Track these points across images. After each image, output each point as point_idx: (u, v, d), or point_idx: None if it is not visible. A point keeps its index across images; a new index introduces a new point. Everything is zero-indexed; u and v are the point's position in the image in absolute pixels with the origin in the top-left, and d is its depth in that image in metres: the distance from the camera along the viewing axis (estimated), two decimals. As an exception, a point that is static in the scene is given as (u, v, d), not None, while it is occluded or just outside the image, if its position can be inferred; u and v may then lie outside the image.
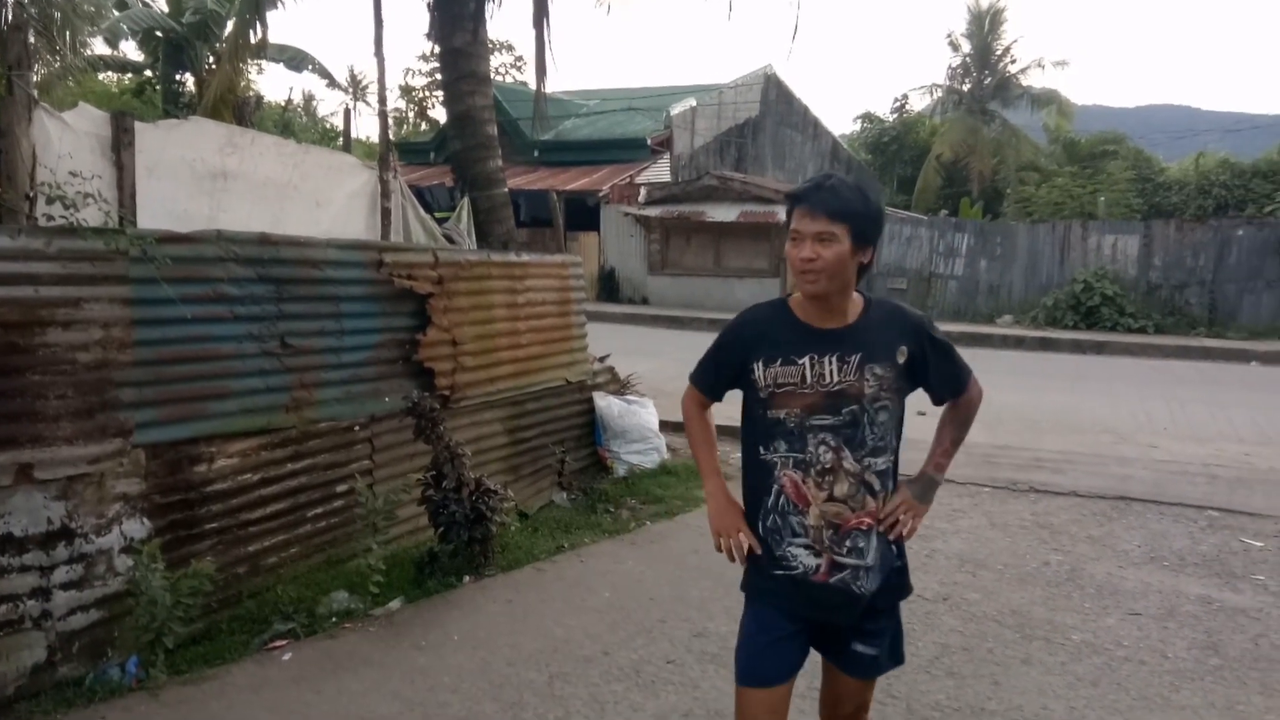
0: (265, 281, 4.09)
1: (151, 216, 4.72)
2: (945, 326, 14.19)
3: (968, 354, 2.41)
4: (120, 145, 4.60)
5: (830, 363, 2.15)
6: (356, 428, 4.58)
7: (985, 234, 18.49)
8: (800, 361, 2.15)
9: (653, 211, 19.77)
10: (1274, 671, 3.68)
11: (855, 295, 2.22)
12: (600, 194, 20.39)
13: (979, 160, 29.34)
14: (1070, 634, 4.00)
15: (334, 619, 3.99)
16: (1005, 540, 5.23)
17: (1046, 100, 30.87)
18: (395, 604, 4.16)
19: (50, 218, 3.44)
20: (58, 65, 13.65)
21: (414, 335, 4.87)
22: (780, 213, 18.40)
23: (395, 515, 4.48)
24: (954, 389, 2.32)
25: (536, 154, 22.17)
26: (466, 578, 4.46)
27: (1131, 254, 16.85)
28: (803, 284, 2.15)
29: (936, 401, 2.35)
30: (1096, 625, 4.09)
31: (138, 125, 4.85)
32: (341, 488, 4.48)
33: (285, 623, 3.91)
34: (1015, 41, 35.97)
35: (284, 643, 3.78)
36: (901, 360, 2.18)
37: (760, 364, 2.19)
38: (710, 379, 2.35)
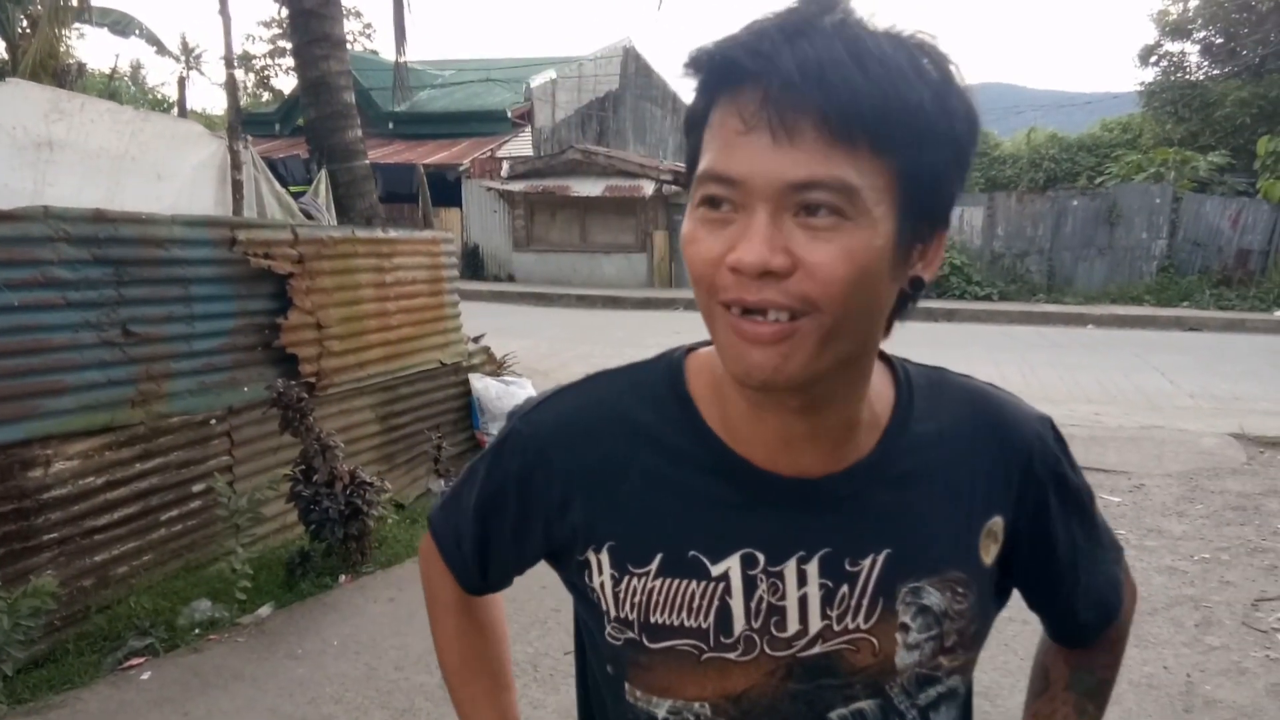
0: (102, 263, 3.68)
1: (-38, 191, 4.17)
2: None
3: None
4: (-80, 109, 4.03)
5: (799, 578, 0.80)
6: (213, 421, 4.21)
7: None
8: (717, 570, 0.80)
9: (516, 186, 19.38)
10: (1141, 623, 3.88)
11: (878, 369, 0.83)
12: (461, 168, 19.83)
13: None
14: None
15: (197, 630, 3.66)
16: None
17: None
18: (265, 610, 3.85)
19: None
20: None
21: (274, 319, 4.52)
22: (646, 187, 18.43)
23: (261, 514, 4.16)
24: (1102, 609, 0.94)
25: (391, 126, 21.34)
26: (343, 577, 4.19)
27: (977, 225, 17.71)
28: (738, 355, 0.71)
29: (1058, 635, 0.98)
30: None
31: (-59, 87, 4.26)
32: (199, 487, 4.12)
33: (141, 638, 3.55)
34: (873, 14, 37.01)
35: (141, 660, 3.44)
36: (990, 556, 0.85)
37: (604, 556, 0.84)
38: (467, 558, 0.97)
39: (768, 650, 0.80)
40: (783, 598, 0.79)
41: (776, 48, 0.65)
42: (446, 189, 19.78)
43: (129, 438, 3.82)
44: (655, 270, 19.10)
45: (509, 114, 21.33)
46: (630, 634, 0.83)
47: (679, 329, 13.17)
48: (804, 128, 0.64)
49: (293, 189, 7.65)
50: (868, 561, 0.79)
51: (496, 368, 6.70)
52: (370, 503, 4.24)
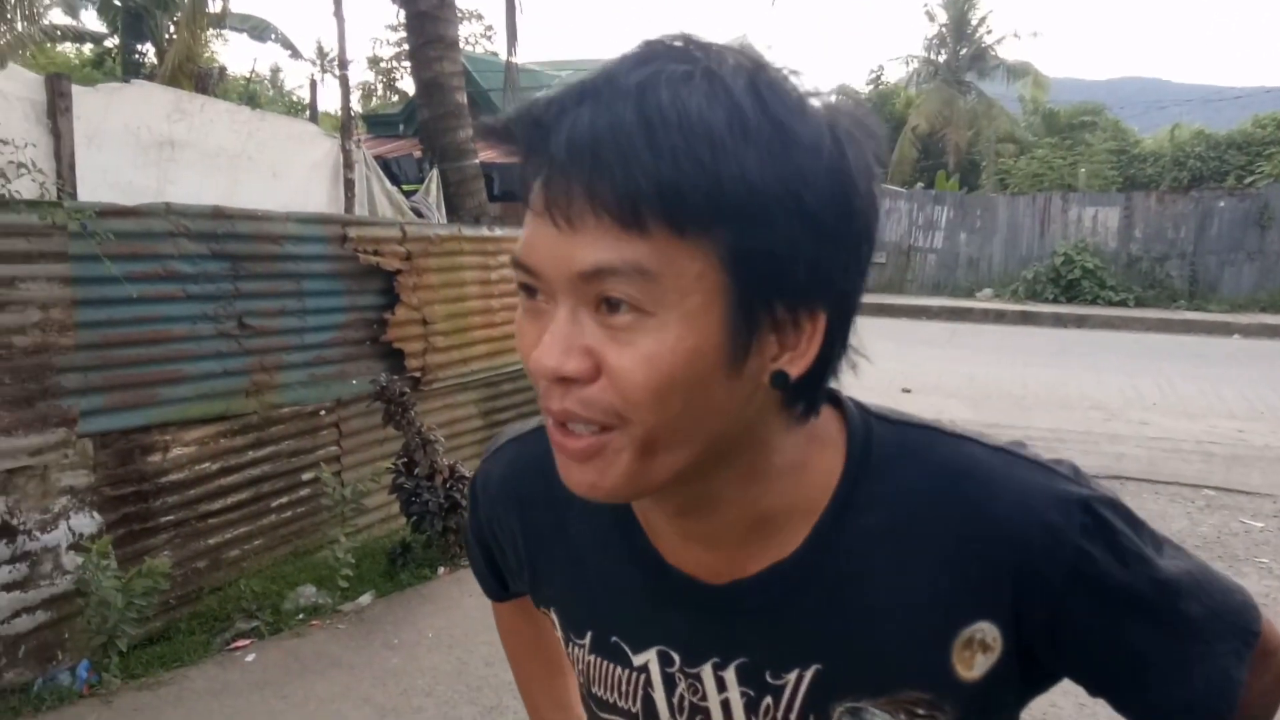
0: (220, 258, 3.83)
1: (92, 188, 4.42)
2: (924, 301, 13.90)
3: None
4: (56, 111, 4.28)
5: (717, 683, 0.73)
6: (322, 412, 4.34)
7: (965, 206, 18.37)
8: (638, 660, 0.76)
9: (629, 185, 19.51)
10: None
11: (817, 431, 0.69)
12: (575, 168, 20.07)
13: (955, 132, 29.18)
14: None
15: (301, 615, 3.77)
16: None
17: (1021, 72, 30.72)
18: (366, 598, 3.94)
19: (-20, 190, 3.17)
20: (8, 36, 13.13)
21: (381, 314, 4.62)
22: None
23: (364, 505, 4.26)
24: (1198, 713, 0.69)
25: (510, 127, 21.77)
26: (441, 569, 4.25)
27: (1112, 226, 16.79)
28: (561, 466, 0.63)
29: None
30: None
31: (76, 90, 4.52)
32: (307, 476, 4.24)
33: (248, 621, 3.68)
34: (990, 12, 35.93)
35: (247, 642, 3.56)
36: (976, 669, 0.67)
37: (556, 617, 0.83)
38: (488, 577, 0.97)
39: None
40: (704, 699, 0.73)
41: (559, 117, 0.56)
42: (561, 188, 20.04)
43: (242, 426, 3.96)
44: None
45: (623, 113, 21.46)
46: (586, 698, 0.82)
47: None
48: (583, 213, 0.54)
49: (406, 188, 7.85)
50: (792, 676, 0.69)
51: (600, 366, 6.71)
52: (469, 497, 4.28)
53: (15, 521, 3.21)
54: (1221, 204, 16.18)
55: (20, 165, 3.19)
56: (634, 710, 0.76)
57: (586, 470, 0.61)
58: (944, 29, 32.07)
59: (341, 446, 4.45)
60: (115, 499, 3.51)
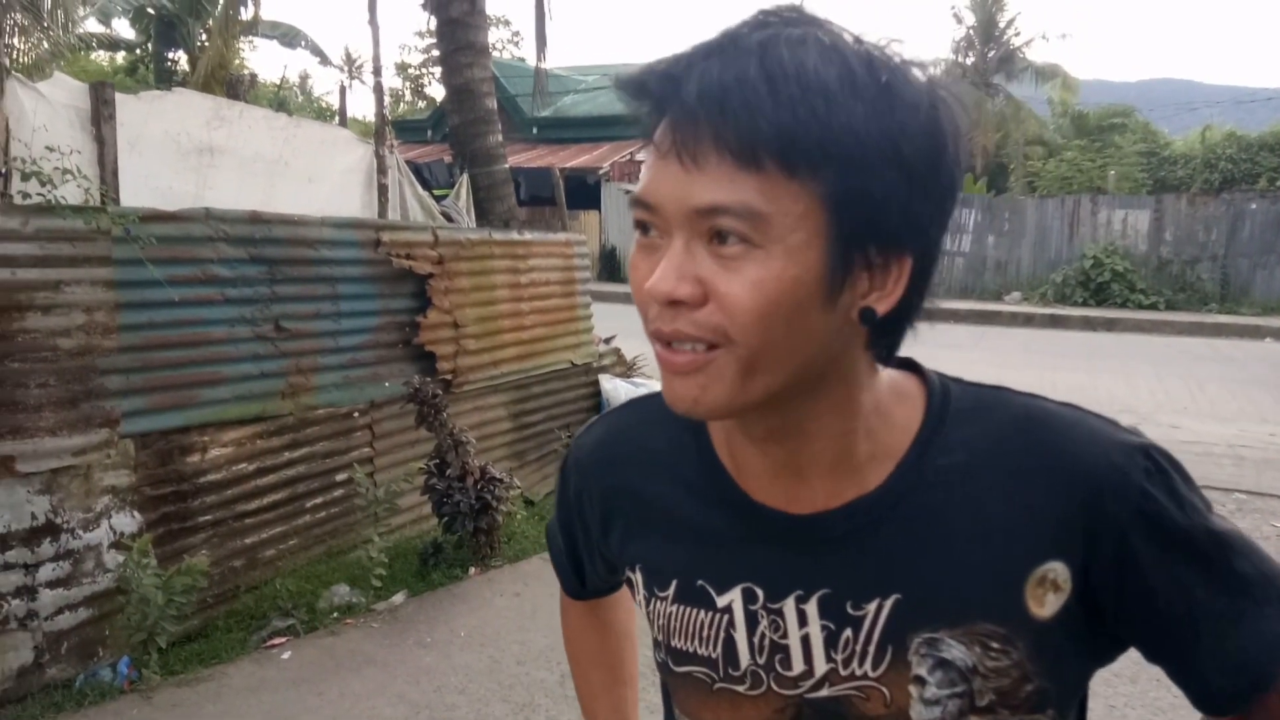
0: (257, 262, 3.89)
1: (134, 194, 4.51)
2: (952, 304, 13.88)
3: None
4: (100, 118, 4.37)
5: (799, 617, 0.75)
6: (356, 414, 4.40)
7: (993, 209, 18.25)
8: (722, 601, 0.78)
9: (654, 189, 19.52)
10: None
11: (891, 381, 0.76)
12: (601, 171, 20.12)
13: (983, 135, 28.98)
14: (1105, 625, 3.83)
15: (335, 614, 3.82)
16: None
17: (1050, 74, 30.47)
18: (399, 598, 3.99)
19: (26, 195, 3.24)
20: (46, 46, 13.38)
21: (414, 317, 4.68)
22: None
23: (397, 505, 4.31)
24: (1245, 674, 0.72)
25: (535, 131, 21.87)
26: (472, 569, 4.29)
27: (1142, 229, 16.61)
28: (665, 384, 0.69)
29: (1195, 701, 0.76)
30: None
31: (119, 97, 4.62)
32: (341, 477, 4.30)
33: (284, 619, 3.74)
34: (1019, 15, 35.65)
35: (283, 640, 3.61)
36: (1048, 607, 0.71)
37: (639, 575, 0.85)
38: (568, 569, 1.01)
39: (775, 687, 0.77)
40: (785, 636, 0.76)
41: (687, 70, 0.63)
42: (586, 192, 20.14)
43: (279, 427, 4.03)
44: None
45: (650, 118, 21.49)
46: (661, 654, 0.84)
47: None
48: (707, 153, 0.61)
49: (436, 192, 7.93)
50: (872, 606, 0.73)
51: (626, 369, 6.73)
52: (500, 498, 4.32)
53: (59, 520, 3.28)
54: (1253, 206, 15.97)
55: (66, 171, 3.27)
56: (714, 655, 0.79)
57: (690, 384, 0.66)
58: (971, 31, 31.85)
59: (374, 448, 4.51)
60: (155, 499, 3.58)
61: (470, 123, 7.16)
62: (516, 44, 35.59)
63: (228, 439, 3.81)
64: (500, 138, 7.39)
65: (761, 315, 0.62)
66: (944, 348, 10.31)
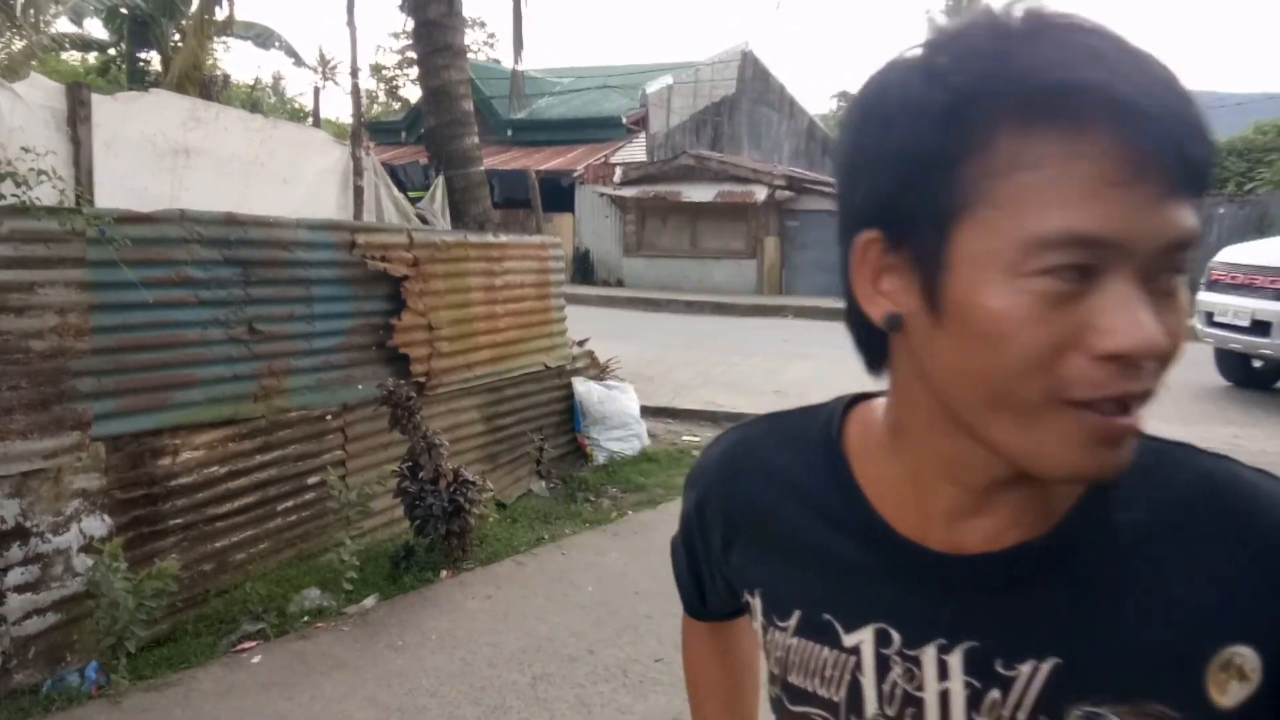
0: (231, 264, 3.89)
1: (109, 195, 4.47)
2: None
3: None
4: (76, 119, 4.34)
5: (939, 669, 0.68)
6: (328, 417, 4.40)
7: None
8: (849, 640, 0.72)
9: (628, 192, 19.56)
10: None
11: None
12: (575, 174, 20.14)
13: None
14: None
15: (306, 618, 3.82)
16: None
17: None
18: (370, 601, 4.00)
19: (1, 196, 3.22)
20: (20, 45, 13.18)
21: (388, 320, 4.69)
22: (758, 193, 18.30)
23: (369, 508, 4.32)
24: None
25: (510, 133, 21.86)
26: (444, 572, 4.31)
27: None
28: (1090, 454, 0.57)
29: None
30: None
31: (95, 98, 4.58)
32: (313, 480, 4.30)
33: (254, 623, 3.74)
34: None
35: (253, 644, 3.61)
36: (1230, 697, 0.62)
37: (758, 601, 0.80)
38: (690, 586, 0.95)
39: None
40: (920, 688, 0.68)
41: (1112, 83, 0.53)
42: (561, 194, 20.16)
43: (250, 430, 4.02)
44: (765, 277, 18.97)
45: (624, 120, 21.55)
46: (776, 689, 0.78)
47: (787, 336, 13.03)
48: (1177, 178, 0.54)
49: (411, 194, 7.92)
50: (1026, 668, 0.64)
51: (600, 372, 6.77)
52: (472, 501, 4.34)
53: (29, 524, 3.27)
54: (1221, 210, 16.32)
55: (41, 172, 3.25)
56: (835, 699, 0.72)
57: (1126, 448, 0.58)
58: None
59: (347, 451, 4.51)
60: (125, 502, 3.57)
61: (446, 124, 7.16)
62: (492, 45, 35.55)
63: (199, 442, 3.80)
64: (476, 140, 7.40)
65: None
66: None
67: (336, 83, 37.96)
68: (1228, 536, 0.63)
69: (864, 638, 0.71)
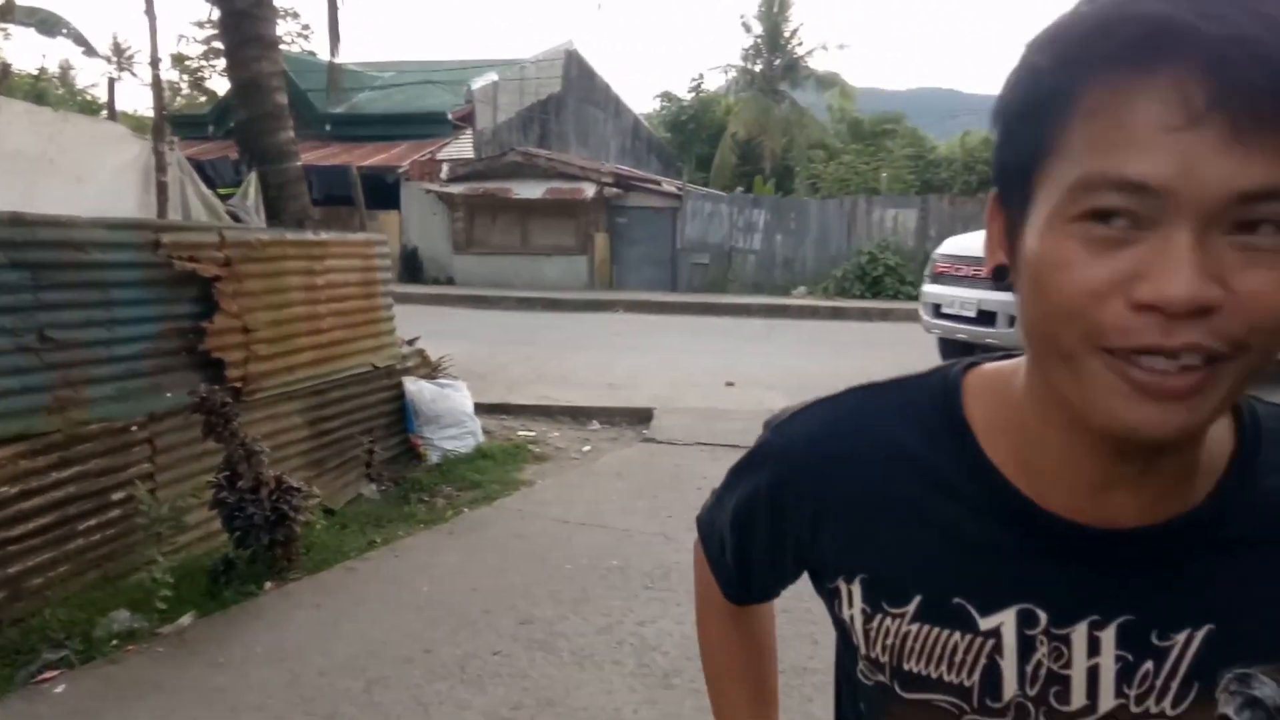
0: (19, 267, 3.59)
1: None
2: (745, 300, 14.59)
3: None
4: None
5: (1090, 645, 0.68)
6: (134, 428, 4.13)
7: (780, 210, 19.27)
8: (986, 624, 0.70)
9: (456, 189, 19.27)
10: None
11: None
12: (400, 170, 19.64)
13: (771, 139, 30.50)
14: (879, 591, 4.19)
15: (114, 641, 3.58)
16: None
17: (830, 82, 32.49)
18: (186, 619, 3.79)
19: None
20: None
21: (199, 323, 4.45)
22: (587, 189, 18.43)
23: (183, 522, 4.09)
24: None
25: (329, 128, 21.05)
26: (268, 584, 4.14)
27: (910, 226, 18.09)
28: (1125, 408, 0.57)
29: None
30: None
31: None
32: (118, 495, 4.03)
33: (56, 651, 3.47)
34: (801, 25, 37.75)
35: (55, 673, 3.36)
36: None
37: (856, 588, 0.76)
38: (730, 566, 0.91)
39: None
40: (1067, 665, 0.67)
41: (1228, 7, 0.50)
42: (385, 191, 19.60)
43: (45, 446, 3.73)
44: (596, 272, 19.15)
45: (449, 116, 21.19)
46: (881, 677, 0.75)
47: (619, 330, 13.22)
48: (1265, 123, 0.50)
49: (221, 191, 7.52)
50: (1182, 637, 0.65)
51: (431, 371, 6.66)
52: (297, 508, 4.19)
53: None
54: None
55: None
56: (968, 684, 0.70)
57: (1177, 410, 0.55)
58: (759, 40, 33.43)
59: (155, 463, 4.25)
60: (-102, 529, 3.24)
61: (259, 118, 6.84)
62: (307, 37, 34.07)
63: (-16, 460, 3.50)
64: (292, 134, 7.11)
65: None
66: (740, 340, 10.88)
67: (134, 74, 35.37)
68: None
69: (1005, 619, 0.68)
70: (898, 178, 22.92)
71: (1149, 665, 0.66)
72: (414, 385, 6.18)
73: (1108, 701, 0.67)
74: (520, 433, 7.06)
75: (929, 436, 0.72)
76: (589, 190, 18.40)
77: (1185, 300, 0.52)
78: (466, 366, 8.12)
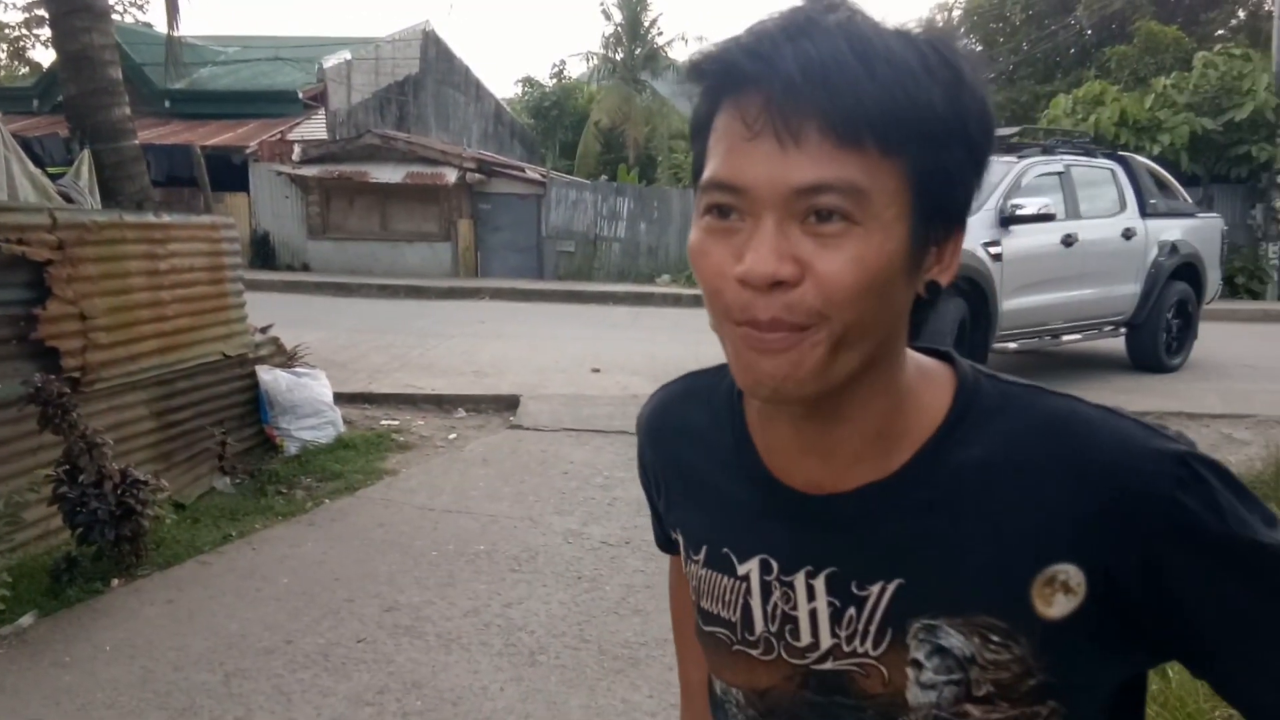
0: None
1: None
2: (610, 287, 14.60)
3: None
4: None
5: (808, 591, 0.79)
6: (-40, 421, 3.87)
7: (644, 198, 19.51)
8: (741, 569, 0.83)
9: (310, 171, 18.59)
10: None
11: (923, 369, 0.79)
12: (248, 151, 18.78)
13: (634, 128, 30.73)
14: (737, 563, 4.38)
15: (-55, 648, 3.37)
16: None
17: (692, 73, 32.94)
18: (27, 619, 3.60)
19: None
20: None
21: (31, 310, 4.20)
22: (449, 174, 18.12)
23: (20, 519, 3.88)
24: None
25: (168, 105, 19.89)
26: (115, 581, 3.97)
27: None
28: (747, 365, 0.69)
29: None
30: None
31: None
32: (-56, 493, 3.78)
33: (-124, 661, 3.24)
34: (661, 15, 38.13)
35: (-124, 685, 3.13)
36: (1056, 608, 0.70)
37: (680, 538, 0.92)
38: (655, 524, 1.06)
39: (785, 656, 0.80)
40: (795, 608, 0.79)
41: (778, 49, 0.63)
42: (232, 173, 18.72)
43: None
44: (460, 259, 18.89)
45: (300, 95, 20.38)
46: (696, 615, 0.89)
47: (484, 317, 13.12)
48: (809, 131, 0.63)
49: (51, 170, 7.05)
50: (875, 589, 0.75)
51: (287, 359, 6.47)
52: (145, 502, 4.03)
53: None
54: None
55: None
56: (734, 619, 0.83)
57: (781, 362, 0.67)
58: (620, 28, 33.55)
59: (-14, 458, 3.99)
60: None
61: (90, 93, 6.44)
62: (142, 8, 32.03)
63: None
64: (128, 111, 6.72)
65: (861, 291, 0.65)
66: (605, 328, 10.99)
67: (-60, 42, 32.37)
68: (1062, 470, 0.70)
69: (752, 567, 0.81)
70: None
71: (852, 611, 0.76)
72: (268, 374, 6.00)
73: (826, 640, 0.77)
74: (384, 422, 6.94)
75: (716, 416, 0.86)
76: (451, 175, 18.09)
77: (763, 274, 0.64)
78: (326, 355, 7.93)
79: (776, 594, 0.80)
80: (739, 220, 0.66)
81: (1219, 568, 0.68)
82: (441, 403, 7.56)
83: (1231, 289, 15.74)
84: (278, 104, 20.30)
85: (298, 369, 6.37)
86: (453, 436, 6.67)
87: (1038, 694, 0.71)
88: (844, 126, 0.62)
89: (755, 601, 0.81)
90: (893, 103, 0.62)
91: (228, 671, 3.26)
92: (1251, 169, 16.26)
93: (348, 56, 21.71)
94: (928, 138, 0.65)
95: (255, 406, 5.95)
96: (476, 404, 7.56)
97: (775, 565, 0.80)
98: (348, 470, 5.66)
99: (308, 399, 6.07)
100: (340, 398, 6.61)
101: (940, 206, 0.68)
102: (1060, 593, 0.70)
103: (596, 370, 8.93)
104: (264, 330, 6.39)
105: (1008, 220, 7.05)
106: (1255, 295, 16.32)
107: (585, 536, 4.65)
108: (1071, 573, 0.69)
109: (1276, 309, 14.92)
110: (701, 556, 0.86)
